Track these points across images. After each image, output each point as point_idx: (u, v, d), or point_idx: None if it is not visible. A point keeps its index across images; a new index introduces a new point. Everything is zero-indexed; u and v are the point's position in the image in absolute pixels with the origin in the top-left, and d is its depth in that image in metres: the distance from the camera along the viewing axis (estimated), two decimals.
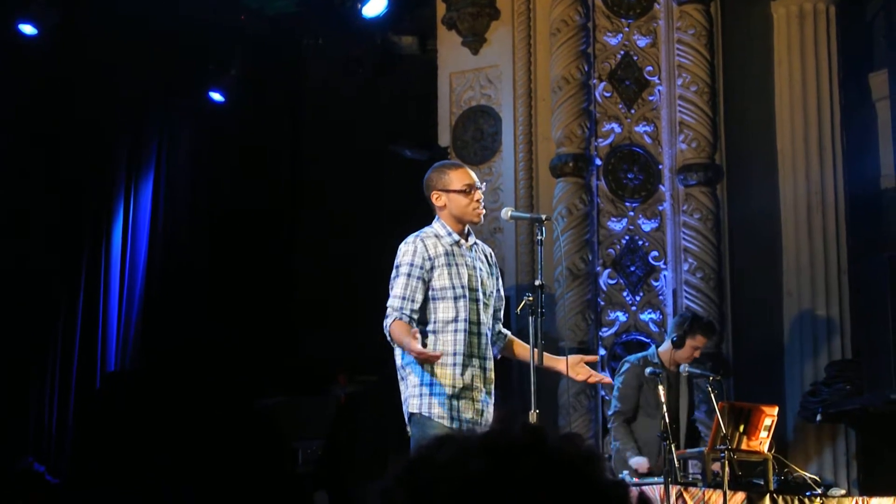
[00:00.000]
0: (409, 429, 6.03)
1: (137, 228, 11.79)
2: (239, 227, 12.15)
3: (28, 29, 10.62)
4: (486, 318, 6.10)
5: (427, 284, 5.97)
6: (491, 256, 6.34)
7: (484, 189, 6.23)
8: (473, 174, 6.21)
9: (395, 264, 6.02)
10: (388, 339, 5.92)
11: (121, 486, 10.16)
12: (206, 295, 11.65)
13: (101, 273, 11.51)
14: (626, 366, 8.58)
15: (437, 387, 5.88)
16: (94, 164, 11.69)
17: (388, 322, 5.89)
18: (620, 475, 7.99)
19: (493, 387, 6.12)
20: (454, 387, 5.89)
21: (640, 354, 8.71)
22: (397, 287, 5.95)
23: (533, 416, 5.89)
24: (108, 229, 11.66)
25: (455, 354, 5.92)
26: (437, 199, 6.12)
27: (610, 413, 8.58)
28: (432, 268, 5.96)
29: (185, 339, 11.37)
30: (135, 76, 11.64)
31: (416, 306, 5.93)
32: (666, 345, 8.60)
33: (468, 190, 6.07)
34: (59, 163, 11.35)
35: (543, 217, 6.24)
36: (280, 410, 10.88)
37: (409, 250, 6.01)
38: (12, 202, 11.00)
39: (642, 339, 9.94)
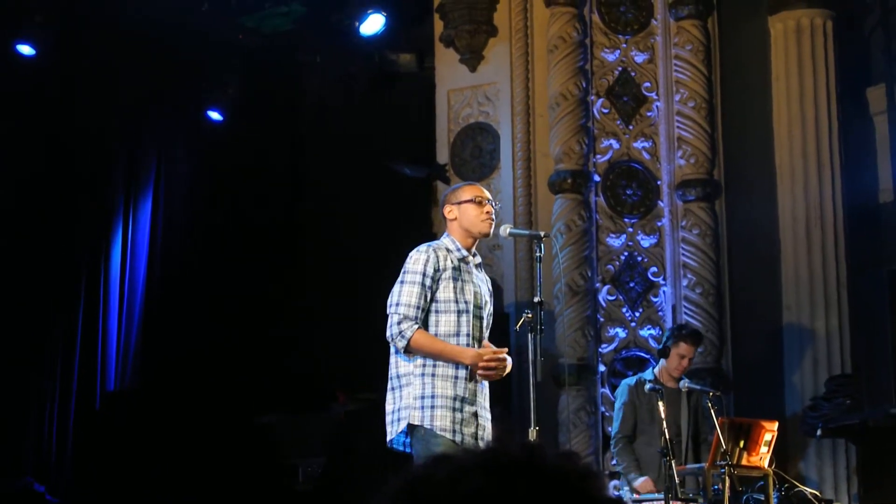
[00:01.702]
0: (391, 440, 6.03)
1: (136, 246, 11.78)
2: (238, 244, 12.15)
3: (26, 49, 10.63)
4: (485, 336, 6.15)
5: (432, 295, 6.00)
6: (488, 282, 6.39)
7: (497, 207, 6.31)
8: (486, 192, 6.29)
9: (404, 270, 6.06)
10: (402, 344, 5.91)
11: None
12: (206, 311, 11.64)
13: (100, 290, 11.50)
14: (622, 387, 8.64)
15: (439, 399, 5.90)
16: (92, 183, 11.68)
17: (405, 330, 5.90)
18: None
19: (488, 403, 6.15)
20: (455, 399, 5.91)
21: (635, 377, 8.73)
22: (410, 295, 5.97)
23: (533, 432, 5.89)
24: (106, 246, 11.65)
25: (458, 368, 5.94)
26: (450, 212, 6.22)
27: (612, 436, 8.61)
28: (439, 279, 6.00)
29: (185, 355, 11.35)
30: (132, 95, 11.65)
31: (424, 316, 5.98)
32: (661, 362, 8.63)
33: (478, 200, 6.15)
34: (58, 181, 11.34)
35: (542, 234, 6.30)
36: (280, 428, 10.87)
37: (421, 259, 6.05)
38: (10, 219, 10.99)
39: (642, 355, 9.94)
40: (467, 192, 6.22)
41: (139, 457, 10.43)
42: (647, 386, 8.00)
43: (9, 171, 11.00)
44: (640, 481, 8.15)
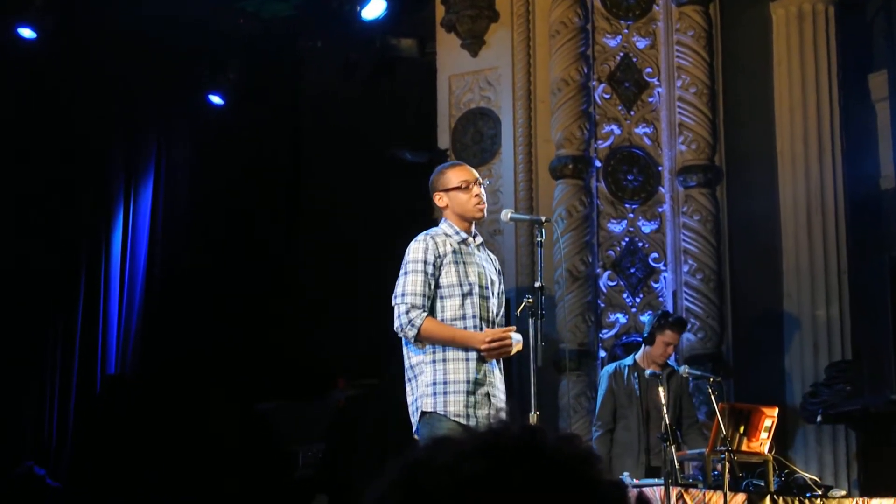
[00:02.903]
0: (416, 431, 6.00)
1: (137, 232, 11.79)
2: (239, 231, 12.15)
3: (27, 32, 10.62)
4: (494, 315, 6.11)
5: (436, 282, 5.99)
6: (495, 261, 6.37)
7: (486, 184, 6.25)
8: (472, 171, 6.24)
9: (405, 261, 6.03)
10: (413, 333, 5.88)
11: (122, 490, 10.16)
12: (206, 300, 11.64)
13: (100, 278, 11.51)
14: (602, 375, 8.72)
15: (452, 384, 5.87)
16: (92, 169, 11.68)
17: (414, 319, 5.87)
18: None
19: (503, 384, 6.13)
20: (469, 382, 5.89)
21: (614, 363, 8.78)
22: (415, 284, 5.95)
23: (533, 417, 5.89)
24: (107, 233, 11.66)
25: (468, 350, 5.92)
26: (440, 199, 6.17)
27: (593, 421, 8.69)
28: (441, 265, 5.99)
29: (185, 341, 11.36)
30: (133, 80, 11.64)
31: (430, 303, 5.96)
32: (644, 349, 8.62)
33: (465, 186, 6.11)
34: (58, 167, 11.34)
35: (543, 219, 6.28)
36: (280, 414, 10.88)
37: (419, 247, 6.02)
38: (11, 207, 10.99)
39: (642, 340, 9.92)
40: (453, 178, 6.15)
41: (139, 441, 10.44)
42: (648, 372, 8.09)
43: (8, 155, 11.00)
44: None
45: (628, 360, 8.64)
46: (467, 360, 5.91)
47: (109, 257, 11.61)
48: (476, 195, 6.11)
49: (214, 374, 11.19)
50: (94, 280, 11.49)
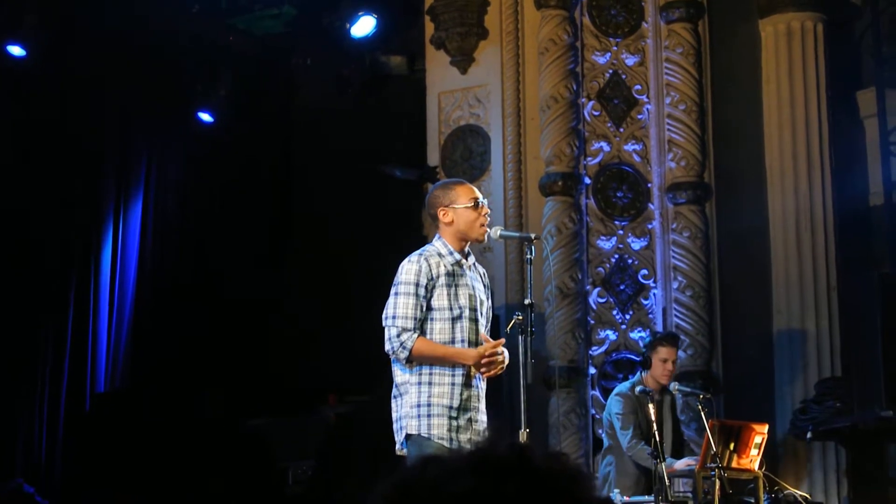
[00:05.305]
0: (399, 448, 6.00)
1: (126, 249, 11.76)
2: (228, 246, 12.14)
3: (17, 50, 10.61)
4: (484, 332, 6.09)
5: (427, 304, 5.96)
6: (485, 276, 6.32)
7: (489, 207, 6.23)
8: (477, 190, 6.20)
9: (396, 281, 5.98)
10: (405, 355, 5.87)
11: None
12: (196, 314, 11.63)
13: (90, 294, 11.48)
14: (619, 398, 8.48)
15: (436, 407, 5.85)
16: (82, 186, 11.65)
17: (405, 341, 5.85)
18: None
19: (484, 406, 6.11)
20: (452, 407, 5.86)
21: (627, 383, 8.67)
22: (405, 307, 5.91)
23: (523, 434, 5.88)
24: (97, 250, 11.63)
25: (454, 374, 5.90)
26: (444, 215, 6.07)
27: (626, 444, 8.36)
28: (433, 287, 5.95)
29: (175, 358, 11.34)
30: (123, 97, 11.64)
31: (420, 325, 5.93)
32: (642, 374, 8.56)
33: (475, 205, 6.06)
34: (47, 184, 11.32)
35: (533, 236, 6.27)
36: (270, 431, 10.86)
37: (412, 269, 5.96)
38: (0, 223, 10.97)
39: (632, 357, 9.93)
40: (462, 194, 6.08)
41: (129, 458, 10.41)
42: (638, 389, 8.02)
43: None
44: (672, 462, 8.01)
45: (640, 381, 8.50)
46: (452, 384, 5.88)
47: (99, 273, 11.58)
48: (484, 215, 6.07)
49: (204, 389, 11.17)
50: (84, 295, 11.46)
